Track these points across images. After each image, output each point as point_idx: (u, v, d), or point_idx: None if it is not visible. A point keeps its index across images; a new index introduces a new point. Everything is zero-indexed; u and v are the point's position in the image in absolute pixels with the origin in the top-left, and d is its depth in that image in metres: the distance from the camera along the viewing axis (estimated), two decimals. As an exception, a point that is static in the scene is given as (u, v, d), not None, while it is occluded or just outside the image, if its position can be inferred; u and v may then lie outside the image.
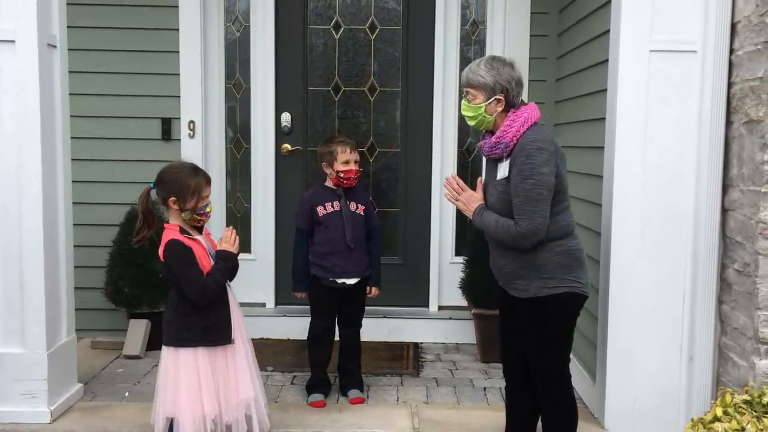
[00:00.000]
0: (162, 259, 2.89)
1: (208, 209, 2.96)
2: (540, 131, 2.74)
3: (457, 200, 2.90)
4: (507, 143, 2.74)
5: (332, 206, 3.58)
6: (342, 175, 3.56)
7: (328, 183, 3.64)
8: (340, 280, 3.58)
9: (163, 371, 2.91)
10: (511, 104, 2.78)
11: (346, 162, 3.55)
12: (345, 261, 3.57)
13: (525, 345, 2.88)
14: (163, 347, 2.93)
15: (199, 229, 3.01)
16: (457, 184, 2.91)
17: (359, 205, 3.64)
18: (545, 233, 2.68)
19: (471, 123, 2.86)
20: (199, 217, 2.94)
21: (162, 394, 2.89)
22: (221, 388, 2.91)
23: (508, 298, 2.89)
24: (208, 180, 2.97)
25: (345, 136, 3.79)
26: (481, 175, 3.06)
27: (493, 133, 2.82)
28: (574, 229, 2.82)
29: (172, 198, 2.88)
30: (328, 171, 3.61)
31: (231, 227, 3.05)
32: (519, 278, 2.80)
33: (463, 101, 2.88)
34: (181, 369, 2.87)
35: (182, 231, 2.90)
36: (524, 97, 2.90)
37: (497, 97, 2.76)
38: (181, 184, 2.88)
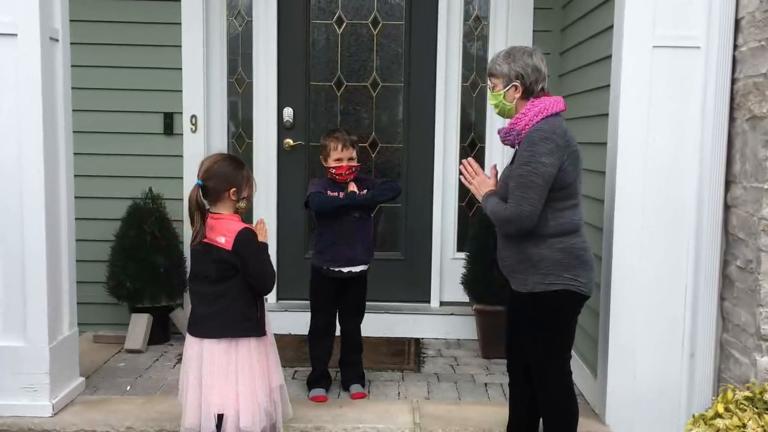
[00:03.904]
0: (230, 249, 2.85)
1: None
2: (554, 123, 2.74)
3: (470, 183, 2.95)
4: (519, 131, 2.78)
5: (338, 195, 3.56)
6: (333, 171, 3.55)
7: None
8: (346, 269, 3.56)
9: (211, 365, 2.84)
10: (529, 91, 2.81)
11: (338, 159, 3.53)
12: (350, 249, 3.55)
13: (523, 339, 2.88)
14: (212, 341, 2.86)
15: None
16: (473, 168, 2.95)
17: (362, 191, 3.59)
18: (533, 222, 2.68)
19: (496, 112, 2.94)
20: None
21: (210, 389, 2.83)
22: (264, 376, 2.95)
23: (513, 291, 2.89)
24: None
25: (345, 131, 3.66)
26: (495, 164, 3.10)
27: None
28: (580, 228, 2.81)
29: (233, 189, 2.92)
30: (325, 164, 3.60)
31: (262, 218, 3.13)
32: (518, 272, 2.81)
33: (488, 91, 2.96)
34: (240, 360, 2.86)
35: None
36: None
37: (514, 84, 2.81)
38: (237, 175, 2.95)
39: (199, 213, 2.87)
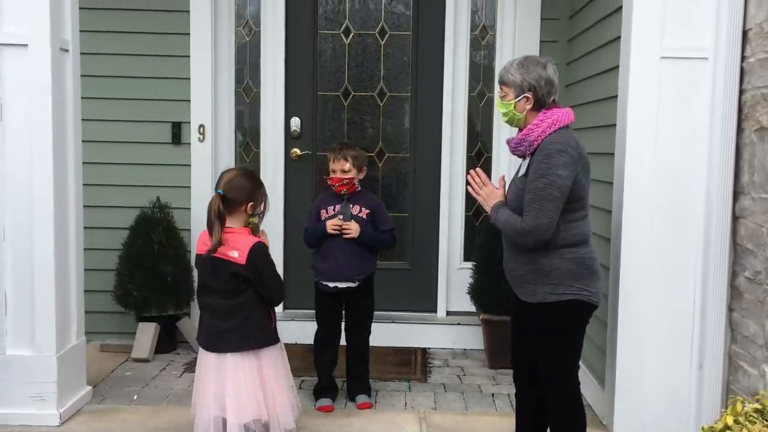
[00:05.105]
0: (245, 263, 2.85)
1: None
2: (566, 135, 2.74)
3: (478, 194, 2.94)
4: (531, 142, 2.76)
5: (333, 209, 3.62)
6: (329, 182, 3.63)
7: None
8: (332, 284, 3.59)
9: (236, 379, 2.83)
10: (541, 103, 2.80)
11: (333, 171, 3.61)
12: (338, 264, 3.57)
13: (532, 350, 2.88)
14: (235, 355, 2.85)
15: None
16: (481, 178, 2.94)
17: (363, 209, 3.63)
18: (550, 234, 2.68)
19: (504, 120, 2.92)
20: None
21: (238, 401, 2.81)
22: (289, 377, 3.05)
23: (519, 300, 2.89)
24: None
25: (346, 144, 3.73)
26: (503, 174, 3.09)
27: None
28: (589, 239, 2.81)
29: (251, 203, 2.94)
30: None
31: (262, 229, 3.11)
32: (528, 282, 2.80)
33: (496, 98, 2.95)
34: (264, 369, 2.89)
35: None
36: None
37: (526, 95, 2.79)
38: (256, 190, 2.97)
39: (219, 223, 2.86)
